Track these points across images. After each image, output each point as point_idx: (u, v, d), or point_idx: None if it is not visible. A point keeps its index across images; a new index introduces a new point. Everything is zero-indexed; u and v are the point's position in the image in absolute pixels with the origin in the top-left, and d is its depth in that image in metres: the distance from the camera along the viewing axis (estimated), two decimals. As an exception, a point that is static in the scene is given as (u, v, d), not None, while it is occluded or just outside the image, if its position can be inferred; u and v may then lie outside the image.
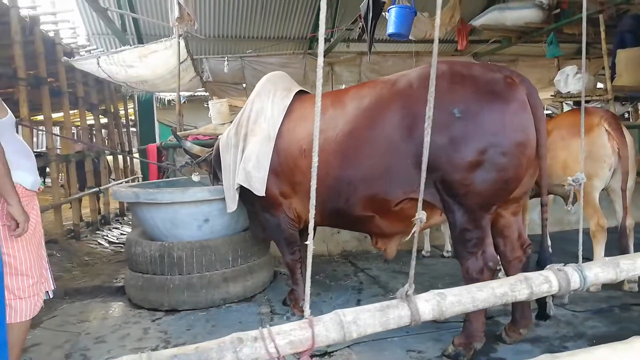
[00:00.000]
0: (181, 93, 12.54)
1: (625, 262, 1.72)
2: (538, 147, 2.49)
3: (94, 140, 9.34)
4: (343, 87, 11.33)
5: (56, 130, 12.96)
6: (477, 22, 9.02)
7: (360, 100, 2.83)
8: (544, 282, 1.65)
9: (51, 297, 2.95)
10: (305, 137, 3.02)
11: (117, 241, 6.70)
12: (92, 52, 7.53)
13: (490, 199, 2.47)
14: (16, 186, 2.50)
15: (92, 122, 8.80)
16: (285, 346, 1.39)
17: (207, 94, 10.89)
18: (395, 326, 1.52)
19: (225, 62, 8.88)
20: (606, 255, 2.88)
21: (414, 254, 1.56)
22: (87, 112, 7.72)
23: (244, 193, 3.36)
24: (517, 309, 2.77)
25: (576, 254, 3.71)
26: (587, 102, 8.57)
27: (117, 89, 9.59)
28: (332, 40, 9.25)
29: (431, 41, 9.78)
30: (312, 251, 1.48)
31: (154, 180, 5.27)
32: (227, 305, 3.71)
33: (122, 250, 5.87)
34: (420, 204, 1.57)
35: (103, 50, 7.79)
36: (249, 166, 3.27)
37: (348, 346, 2.94)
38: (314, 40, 10.31)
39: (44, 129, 6.22)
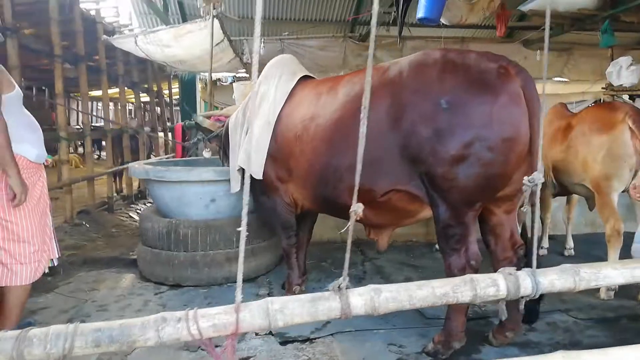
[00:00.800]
0: (228, 74, 12.78)
1: (587, 270, 1.61)
2: (531, 144, 2.35)
3: (135, 117, 9.69)
4: (384, 72, 11.18)
5: (111, 105, 13.59)
6: (526, 6, 8.55)
7: (351, 87, 2.77)
8: (491, 285, 1.57)
9: (55, 264, 3.13)
10: (299, 122, 3.00)
11: (147, 215, 7.00)
12: (132, 30, 7.77)
13: (474, 196, 2.37)
14: (19, 158, 2.67)
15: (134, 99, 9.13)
16: (208, 329, 1.40)
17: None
18: (325, 318, 1.50)
19: (262, 45, 8.91)
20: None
21: (349, 246, 1.53)
22: (127, 90, 8.01)
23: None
24: (507, 309, 2.67)
25: (602, 257, 3.56)
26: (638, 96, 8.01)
27: (162, 68, 9.89)
28: (370, 23, 9.03)
29: (473, 26, 9.38)
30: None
31: (175, 159, 5.42)
32: (228, 284, 3.80)
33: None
34: (355, 196, 1.52)
35: (143, 30, 8.02)
36: (249, 149, 3.30)
37: (331, 334, 2.95)
38: (355, 22, 10.12)
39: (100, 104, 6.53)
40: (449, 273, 2.50)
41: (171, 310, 1.38)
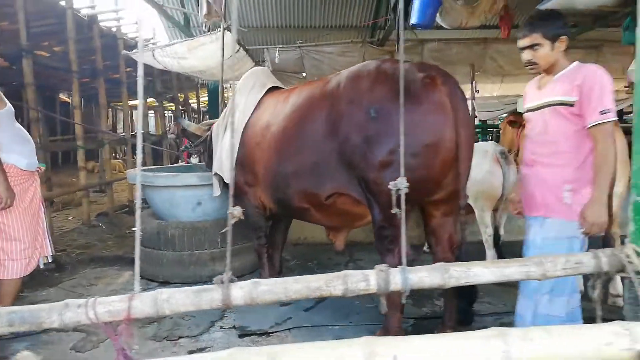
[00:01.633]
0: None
1: (457, 269, 1.72)
2: (459, 150, 2.46)
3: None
4: (403, 76, 11.20)
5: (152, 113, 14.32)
6: (545, 5, 8.41)
7: (298, 97, 2.96)
8: (362, 280, 1.70)
9: (49, 260, 3.49)
10: (259, 131, 3.22)
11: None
12: (155, 44, 8.24)
13: (397, 199, 2.50)
14: (10, 167, 3.03)
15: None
16: (104, 314, 1.63)
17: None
18: (208, 307, 1.69)
19: (277, 53, 9.18)
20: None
21: (229, 244, 1.72)
22: (150, 100, 8.49)
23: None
24: (445, 309, 2.78)
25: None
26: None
27: (189, 78, 10.39)
28: (386, 27, 9.10)
29: (489, 27, 9.22)
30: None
31: (175, 165, 5.76)
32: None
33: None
34: (231, 199, 1.71)
35: (159, 44, 8.49)
36: (223, 155, 3.56)
37: (289, 329, 3.15)
38: (375, 27, 10.21)
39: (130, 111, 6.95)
40: (386, 272, 2.63)
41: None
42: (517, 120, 5.50)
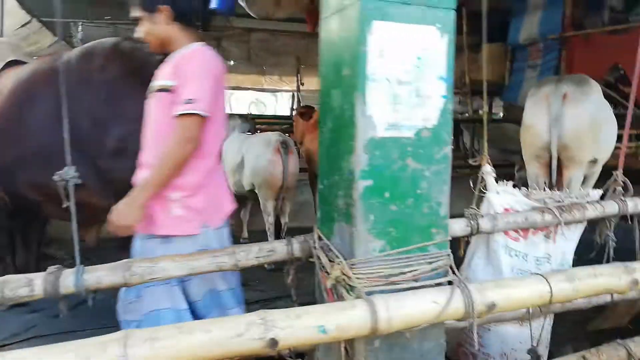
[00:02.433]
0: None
1: (142, 265, 1.61)
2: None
3: None
4: (231, 63, 11.02)
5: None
6: None
7: (24, 73, 2.60)
8: (25, 285, 1.51)
9: None
10: None
11: None
12: None
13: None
14: None
15: None
16: None
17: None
18: None
19: (79, 29, 8.30)
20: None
21: None
22: None
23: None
24: None
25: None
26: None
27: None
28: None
29: (297, 20, 9.46)
30: None
31: None
32: None
33: None
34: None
35: None
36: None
37: (28, 339, 2.79)
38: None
39: None
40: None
41: None
42: (307, 112, 5.74)
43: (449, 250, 1.57)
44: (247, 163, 3.97)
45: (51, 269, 1.54)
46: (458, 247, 2.10)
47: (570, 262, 2.30)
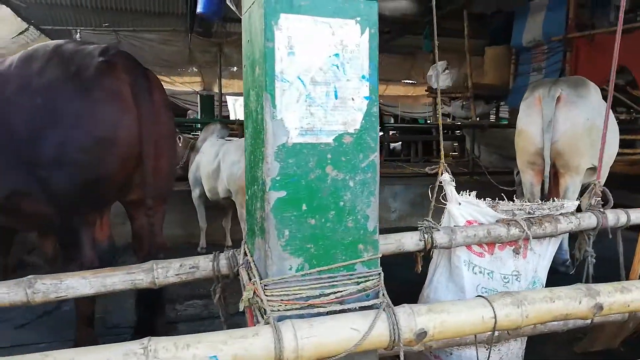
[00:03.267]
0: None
1: (46, 282, 1.48)
2: (142, 145, 2.24)
3: None
4: (234, 69, 10.97)
5: None
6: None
7: None
8: None
9: None
10: None
11: None
12: None
13: (74, 201, 2.21)
14: None
15: None
16: None
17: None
18: None
19: (77, 36, 8.31)
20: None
21: None
22: None
23: None
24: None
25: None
26: (454, 99, 8.52)
27: None
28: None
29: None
30: None
31: None
32: None
33: None
34: None
35: None
36: None
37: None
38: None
39: None
40: (70, 283, 2.32)
41: None
42: None
43: (380, 269, 1.41)
44: (223, 169, 3.84)
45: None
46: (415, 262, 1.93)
47: (544, 280, 2.11)
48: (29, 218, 2.50)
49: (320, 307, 1.32)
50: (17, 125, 2.19)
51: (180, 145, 4.96)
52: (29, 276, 1.47)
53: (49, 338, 2.85)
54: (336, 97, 1.31)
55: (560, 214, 2.08)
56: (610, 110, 3.92)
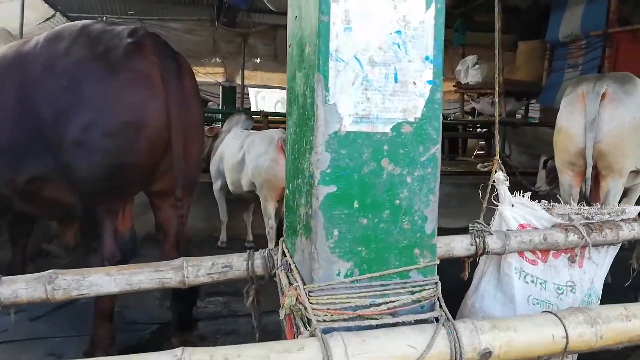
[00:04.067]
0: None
1: (67, 277, 1.35)
2: (171, 131, 2.12)
3: None
4: (257, 61, 10.83)
5: None
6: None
7: None
8: None
9: None
10: None
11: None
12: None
13: (98, 188, 2.09)
14: None
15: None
16: None
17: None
18: None
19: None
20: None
21: None
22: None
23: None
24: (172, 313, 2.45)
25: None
26: (483, 94, 8.27)
27: None
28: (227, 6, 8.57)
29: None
30: None
31: None
32: None
33: None
34: None
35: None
36: None
37: (-4, 344, 2.59)
38: (224, 6, 9.60)
39: None
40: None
41: None
42: None
43: (437, 277, 1.25)
44: (247, 162, 3.71)
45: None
46: (462, 268, 1.76)
47: (599, 293, 1.92)
48: (50, 205, 2.40)
49: (371, 318, 1.17)
50: (41, 107, 2.09)
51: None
52: (49, 271, 1.35)
53: (66, 331, 2.76)
54: (396, 81, 1.16)
55: (622, 220, 1.89)
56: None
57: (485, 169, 1.81)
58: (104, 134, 1.99)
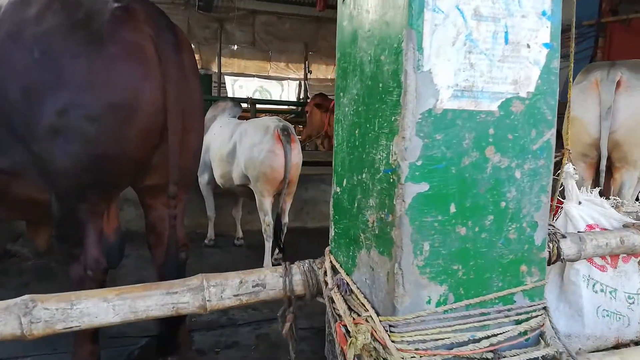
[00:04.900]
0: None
1: (50, 305, 1.01)
2: (168, 116, 1.76)
3: None
4: (235, 48, 10.38)
5: None
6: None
7: None
8: None
9: None
10: None
11: None
12: None
13: (78, 184, 1.72)
14: None
15: None
16: None
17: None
18: None
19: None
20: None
21: None
22: None
23: None
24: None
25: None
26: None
27: None
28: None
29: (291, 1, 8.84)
30: None
31: None
32: None
33: None
34: None
35: None
36: None
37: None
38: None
39: None
40: (72, 285, 1.85)
41: None
42: (323, 103, 5.16)
43: (545, 301, 0.97)
44: (239, 153, 3.35)
45: None
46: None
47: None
48: (19, 205, 2.00)
49: (470, 358, 0.88)
50: (6, 86, 1.70)
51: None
52: (25, 297, 1.00)
53: (41, 349, 2.37)
54: (506, 42, 0.86)
55: (696, 219, 1.66)
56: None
57: (556, 159, 1.53)
58: (85, 119, 1.62)
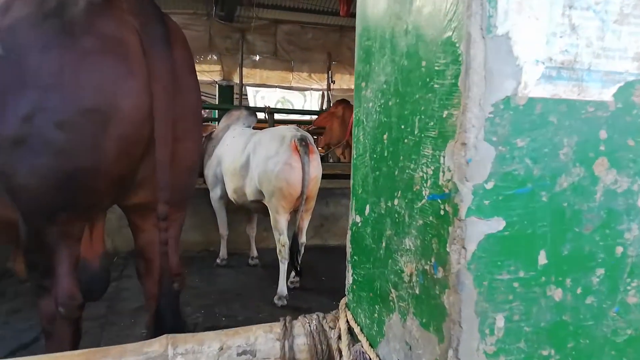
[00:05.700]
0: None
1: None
2: (155, 123, 1.48)
3: None
4: (256, 58, 10.21)
5: None
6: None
7: None
8: None
9: None
10: None
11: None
12: None
13: (47, 202, 1.44)
14: None
15: None
16: None
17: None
18: None
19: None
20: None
21: None
22: None
23: None
24: None
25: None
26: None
27: None
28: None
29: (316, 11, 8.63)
30: None
31: None
32: None
33: None
34: None
35: None
36: None
37: None
38: (220, 1, 8.94)
39: None
40: (43, 326, 1.57)
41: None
42: (345, 109, 4.90)
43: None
44: (253, 166, 3.06)
45: None
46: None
47: None
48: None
49: None
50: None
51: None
52: None
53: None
54: (627, -6, 0.52)
55: None
56: None
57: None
58: (55, 126, 1.35)
